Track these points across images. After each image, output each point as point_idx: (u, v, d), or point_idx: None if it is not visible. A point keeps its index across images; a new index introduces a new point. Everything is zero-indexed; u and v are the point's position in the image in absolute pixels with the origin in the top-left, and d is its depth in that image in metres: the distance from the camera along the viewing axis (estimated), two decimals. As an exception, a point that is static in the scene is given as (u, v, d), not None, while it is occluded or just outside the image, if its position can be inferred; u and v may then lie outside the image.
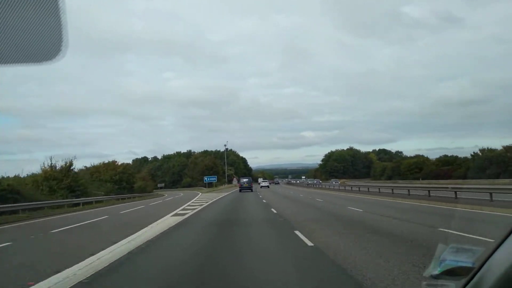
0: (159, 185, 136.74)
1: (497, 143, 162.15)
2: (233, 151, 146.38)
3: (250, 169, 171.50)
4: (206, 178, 73.18)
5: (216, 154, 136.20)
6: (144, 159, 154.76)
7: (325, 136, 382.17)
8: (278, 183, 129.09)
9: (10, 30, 1.36)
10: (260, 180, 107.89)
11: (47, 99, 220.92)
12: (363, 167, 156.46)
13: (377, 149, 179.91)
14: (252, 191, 51.79)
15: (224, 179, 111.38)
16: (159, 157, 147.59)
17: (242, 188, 52.58)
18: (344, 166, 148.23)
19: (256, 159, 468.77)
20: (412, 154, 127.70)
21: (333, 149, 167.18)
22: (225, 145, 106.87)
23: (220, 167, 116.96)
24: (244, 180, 55.09)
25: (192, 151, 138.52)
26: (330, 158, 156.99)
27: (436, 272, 1.50)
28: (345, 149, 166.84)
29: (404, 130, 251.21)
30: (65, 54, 1.42)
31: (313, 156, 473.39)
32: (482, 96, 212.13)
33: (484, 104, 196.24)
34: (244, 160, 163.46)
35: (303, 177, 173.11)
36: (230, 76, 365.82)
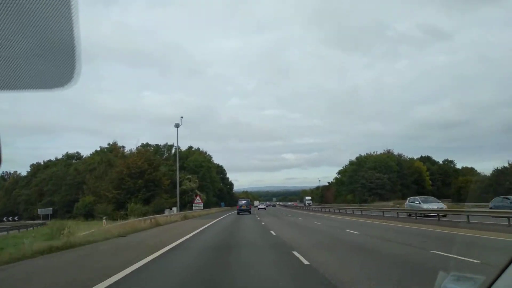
0: (41, 212, 70.76)
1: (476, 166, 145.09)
2: (201, 150, 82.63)
3: (230, 185, 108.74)
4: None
5: (169, 154, 72.97)
6: (47, 164, 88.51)
7: (304, 159, 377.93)
8: (275, 206, 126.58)
9: (26, 57, 1.41)
10: (256, 202, 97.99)
11: (18, 117, 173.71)
12: (413, 181, 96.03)
13: (414, 157, 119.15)
14: (250, 213, 47.09)
15: (170, 199, 48.41)
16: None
17: (240, 210, 48.76)
18: (390, 178, 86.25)
19: (236, 182, 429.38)
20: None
21: (363, 153, 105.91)
22: (176, 127, 43.45)
23: (170, 174, 54.46)
24: (243, 202, 51.82)
25: (120, 145, 71.65)
26: (362, 166, 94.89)
27: None
28: (378, 152, 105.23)
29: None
30: (77, 81, 1.47)
31: (294, 179, 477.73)
32: (463, 118, 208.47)
33: (465, 126, 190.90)
34: (221, 170, 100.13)
35: (308, 198, 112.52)
36: (209, 95, 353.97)
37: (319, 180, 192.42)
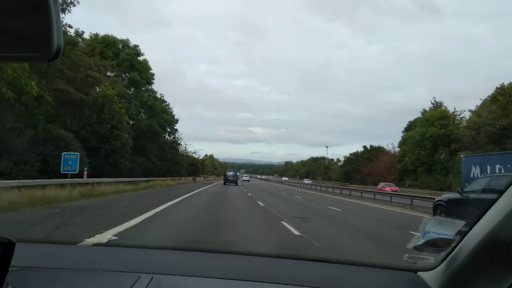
0: None
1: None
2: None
3: (169, 122, 44.70)
4: None
5: None
6: None
7: (272, 134, 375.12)
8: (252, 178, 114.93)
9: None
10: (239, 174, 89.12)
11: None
12: None
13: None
14: (237, 184, 47.38)
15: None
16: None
17: (226, 181, 48.05)
18: None
19: (202, 151, 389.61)
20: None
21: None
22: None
23: None
24: (230, 173, 51.81)
25: None
26: None
27: (419, 243, 1.54)
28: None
29: (349, 135, 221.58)
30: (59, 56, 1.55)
31: (260, 153, 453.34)
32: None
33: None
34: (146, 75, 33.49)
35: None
36: (175, 54, 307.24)
37: (327, 146, 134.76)
